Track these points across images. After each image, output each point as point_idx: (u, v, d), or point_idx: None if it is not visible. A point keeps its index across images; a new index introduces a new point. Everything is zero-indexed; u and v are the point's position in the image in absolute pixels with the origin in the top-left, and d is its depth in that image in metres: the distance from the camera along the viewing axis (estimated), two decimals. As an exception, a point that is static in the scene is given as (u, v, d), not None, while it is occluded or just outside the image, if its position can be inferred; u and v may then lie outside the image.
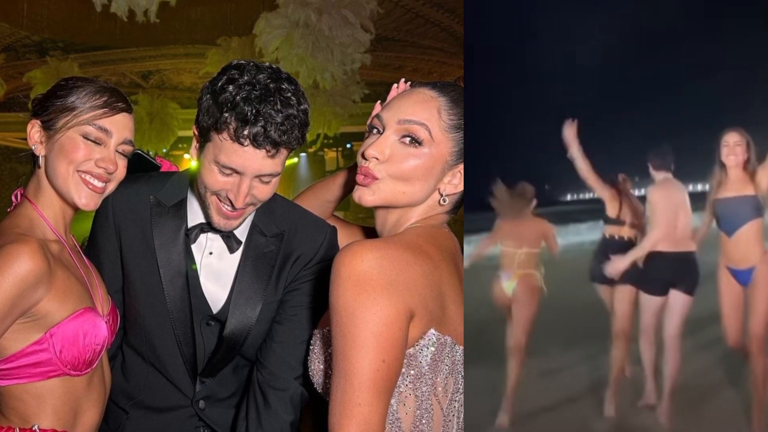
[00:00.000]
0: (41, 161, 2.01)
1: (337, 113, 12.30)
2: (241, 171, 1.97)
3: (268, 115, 1.92)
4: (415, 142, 1.81)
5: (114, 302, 2.20)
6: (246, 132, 1.92)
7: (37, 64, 13.38)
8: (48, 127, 1.99)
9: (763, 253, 2.87)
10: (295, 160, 15.77)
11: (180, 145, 14.58)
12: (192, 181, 2.22)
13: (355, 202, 1.88)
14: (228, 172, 1.99)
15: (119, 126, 2.03)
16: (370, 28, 10.21)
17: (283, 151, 2.00)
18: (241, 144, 1.93)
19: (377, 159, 1.83)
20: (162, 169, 2.52)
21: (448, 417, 1.75)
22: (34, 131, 2.02)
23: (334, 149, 16.13)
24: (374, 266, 1.57)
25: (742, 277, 2.91)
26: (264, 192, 2.05)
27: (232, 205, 2.03)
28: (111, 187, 2.05)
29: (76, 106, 1.98)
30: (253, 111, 1.91)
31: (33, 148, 2.02)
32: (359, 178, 1.87)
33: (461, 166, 1.86)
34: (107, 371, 2.17)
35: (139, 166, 2.39)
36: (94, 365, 2.04)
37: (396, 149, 1.82)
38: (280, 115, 1.93)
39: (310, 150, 15.36)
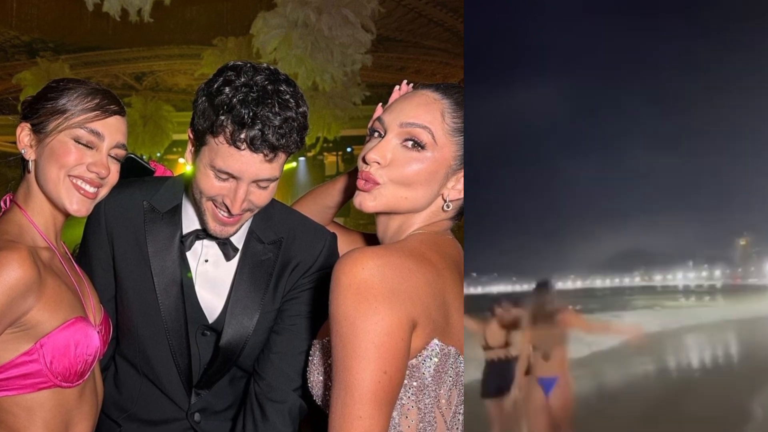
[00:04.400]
0: (31, 166, 2.01)
1: (337, 116, 12.33)
2: (238, 176, 1.98)
3: (266, 118, 1.92)
4: (418, 146, 1.82)
5: (106, 311, 2.19)
6: (243, 135, 1.92)
7: (27, 65, 13.44)
8: (38, 130, 1.99)
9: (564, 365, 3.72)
10: (294, 164, 15.81)
11: (175, 149, 14.63)
12: (187, 187, 2.22)
13: (356, 207, 1.89)
14: (224, 176, 1.99)
15: (112, 129, 2.03)
16: (371, 28, 10.24)
17: (281, 156, 2.00)
18: (238, 148, 1.93)
19: (378, 163, 1.84)
20: (156, 174, 2.52)
21: (451, 430, 1.75)
22: (24, 135, 2.01)
23: (334, 153, 16.18)
24: (375, 274, 1.57)
25: (547, 385, 3.78)
26: (261, 198, 2.05)
27: (229, 211, 2.03)
28: (103, 192, 2.05)
29: (67, 109, 1.98)
30: (251, 114, 1.91)
31: (23, 152, 2.02)
32: (360, 183, 1.87)
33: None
34: (99, 383, 2.17)
35: (133, 170, 2.40)
36: (86, 377, 2.03)
37: (398, 153, 1.83)
38: (278, 118, 1.94)
39: (309, 154, 15.40)
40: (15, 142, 2.03)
